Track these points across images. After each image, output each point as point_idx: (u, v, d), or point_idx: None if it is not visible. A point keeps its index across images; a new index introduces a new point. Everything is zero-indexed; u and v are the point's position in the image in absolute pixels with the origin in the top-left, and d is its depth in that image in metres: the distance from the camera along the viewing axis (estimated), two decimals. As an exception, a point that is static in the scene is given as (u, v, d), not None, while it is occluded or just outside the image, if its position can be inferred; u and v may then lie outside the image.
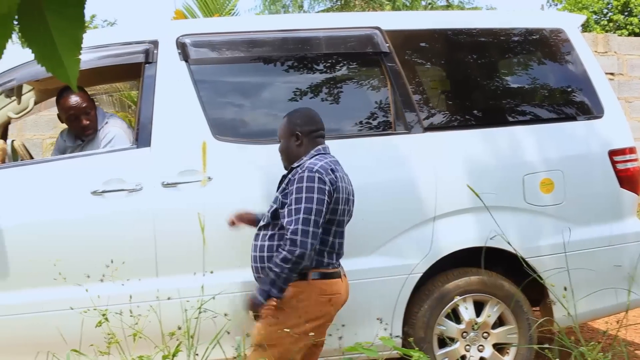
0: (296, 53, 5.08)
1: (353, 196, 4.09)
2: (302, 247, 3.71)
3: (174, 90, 4.72)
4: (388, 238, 4.74)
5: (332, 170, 3.87)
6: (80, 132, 5.26)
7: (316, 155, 4.03)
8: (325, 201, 3.79)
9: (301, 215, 3.75)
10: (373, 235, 4.73)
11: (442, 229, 4.80)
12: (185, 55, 4.79)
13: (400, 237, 4.74)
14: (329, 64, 5.14)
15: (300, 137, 4.09)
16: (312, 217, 3.75)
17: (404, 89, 4.95)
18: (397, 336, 4.72)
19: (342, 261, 4.09)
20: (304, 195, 3.77)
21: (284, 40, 5.05)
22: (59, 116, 5.39)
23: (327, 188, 3.80)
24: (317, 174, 3.81)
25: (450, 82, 5.54)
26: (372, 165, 4.81)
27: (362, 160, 4.75)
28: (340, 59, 5.15)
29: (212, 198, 4.51)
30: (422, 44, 5.35)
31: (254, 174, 4.64)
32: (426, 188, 4.78)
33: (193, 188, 4.50)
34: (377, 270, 4.71)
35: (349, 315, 4.32)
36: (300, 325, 3.78)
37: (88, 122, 5.20)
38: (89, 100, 5.29)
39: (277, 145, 4.23)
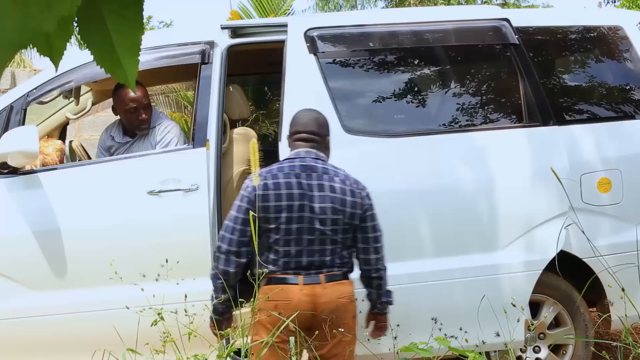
0: (425, 45, 5.04)
1: (316, 202, 3.69)
2: (216, 250, 3.73)
3: (302, 83, 4.72)
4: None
5: (265, 177, 3.69)
6: (136, 125, 5.32)
7: (285, 159, 3.86)
8: (243, 208, 3.66)
9: (225, 221, 3.76)
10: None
11: None
12: (313, 49, 4.79)
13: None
14: (457, 56, 5.13)
15: (288, 139, 3.98)
16: (230, 224, 3.69)
17: (535, 81, 4.91)
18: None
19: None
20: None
21: (413, 33, 5.00)
22: (113, 108, 5.45)
23: (247, 195, 3.68)
24: (247, 181, 3.74)
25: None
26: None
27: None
28: (470, 50, 5.12)
29: None
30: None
31: (385, 167, 4.62)
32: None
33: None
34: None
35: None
36: (261, 331, 3.60)
37: (146, 117, 5.27)
38: (148, 96, 5.39)
39: (408, 139, 4.22)
